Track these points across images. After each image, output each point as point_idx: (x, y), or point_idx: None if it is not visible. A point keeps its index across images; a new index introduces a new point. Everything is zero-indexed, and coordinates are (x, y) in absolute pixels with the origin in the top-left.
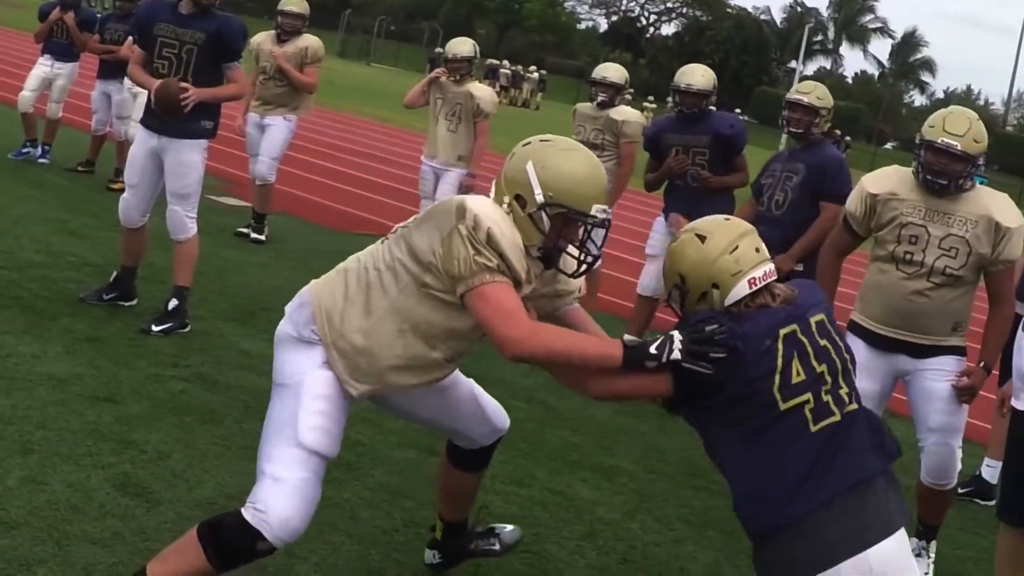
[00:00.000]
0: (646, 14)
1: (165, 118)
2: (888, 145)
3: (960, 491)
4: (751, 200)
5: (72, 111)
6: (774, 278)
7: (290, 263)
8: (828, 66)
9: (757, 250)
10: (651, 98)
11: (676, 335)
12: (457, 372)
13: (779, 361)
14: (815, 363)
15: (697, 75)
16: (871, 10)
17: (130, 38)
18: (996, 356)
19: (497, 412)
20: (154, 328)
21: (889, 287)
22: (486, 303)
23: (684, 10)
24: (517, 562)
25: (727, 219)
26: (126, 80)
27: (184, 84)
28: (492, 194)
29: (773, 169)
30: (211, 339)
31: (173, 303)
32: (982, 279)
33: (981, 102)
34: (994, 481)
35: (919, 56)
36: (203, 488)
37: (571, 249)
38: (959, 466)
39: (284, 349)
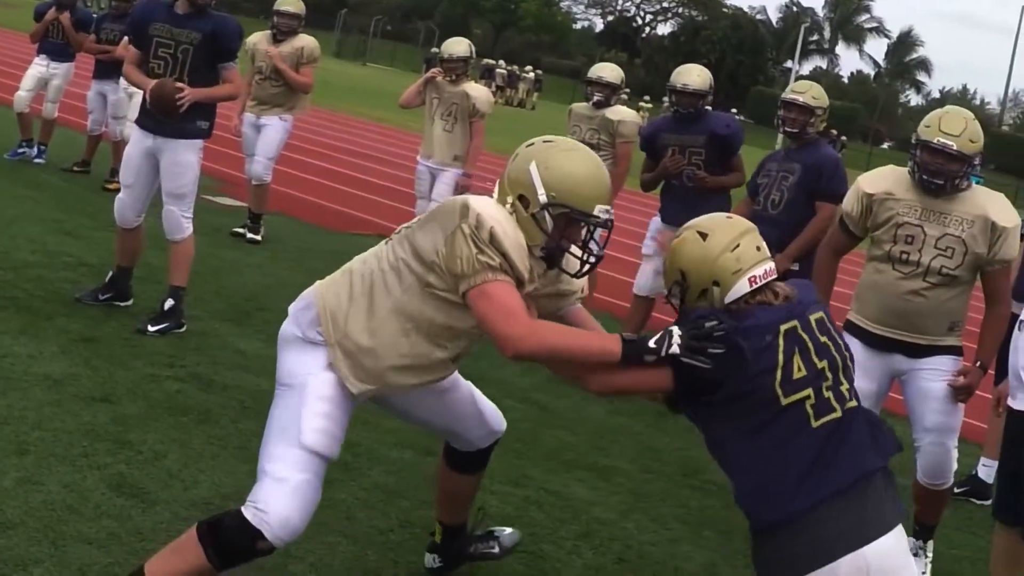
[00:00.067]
0: (642, 14)
1: (161, 118)
2: (885, 145)
3: (956, 491)
4: (746, 199)
5: (68, 111)
6: (774, 277)
7: (286, 263)
8: (824, 66)
9: (758, 248)
10: (647, 98)
11: (675, 330)
12: (457, 375)
13: (780, 357)
14: (816, 359)
15: (693, 75)
16: (867, 10)
17: (126, 38)
18: (992, 356)
19: (494, 415)
20: (150, 328)
21: (885, 287)
22: (487, 302)
23: (680, 10)
24: (514, 562)
25: (729, 217)
26: (122, 80)
27: (180, 84)
28: (495, 194)
29: (769, 169)
30: (207, 339)
31: (169, 303)
32: (979, 279)
33: (977, 102)
34: (990, 480)
35: (915, 56)
36: (199, 488)
37: (574, 249)
38: (955, 466)
39: (288, 350)
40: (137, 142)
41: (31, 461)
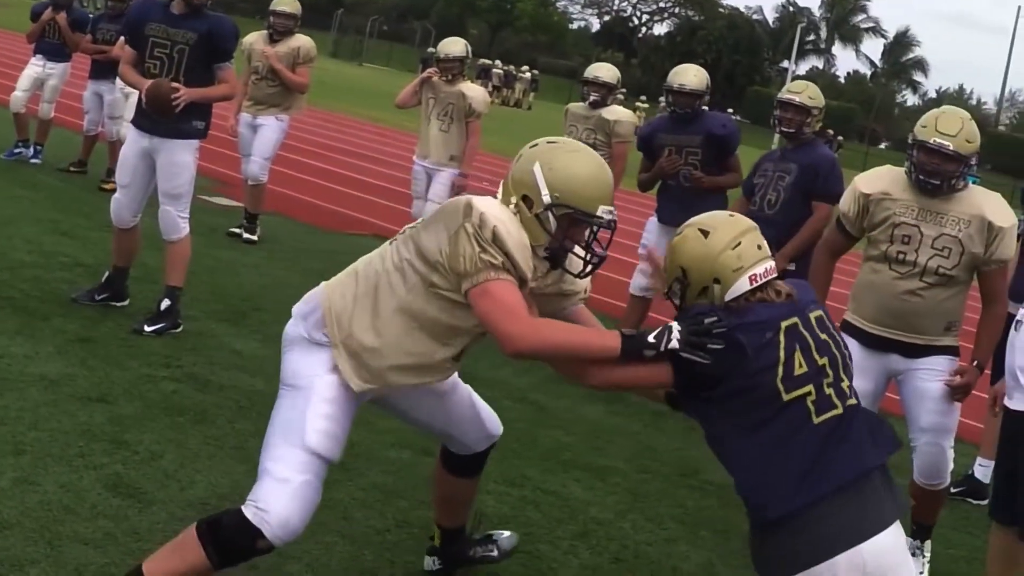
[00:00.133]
0: (638, 14)
1: (156, 118)
2: (882, 145)
3: (953, 491)
4: (742, 199)
5: (64, 111)
6: (775, 275)
7: (282, 263)
8: (820, 66)
9: (759, 247)
10: (643, 98)
11: (675, 325)
12: (456, 378)
13: (781, 353)
14: (817, 356)
15: (690, 75)
16: (863, 10)
17: (122, 38)
18: (989, 355)
19: (491, 419)
20: (146, 328)
21: (882, 287)
22: (489, 300)
23: (676, 10)
24: (511, 562)
25: (731, 215)
26: (118, 80)
27: (175, 84)
28: (499, 195)
29: (765, 169)
30: (203, 339)
31: (165, 303)
32: (975, 279)
33: (973, 102)
34: (986, 480)
35: (911, 56)
36: (195, 488)
37: (577, 250)
38: (951, 466)
39: (293, 350)
40: (133, 142)
41: (27, 461)
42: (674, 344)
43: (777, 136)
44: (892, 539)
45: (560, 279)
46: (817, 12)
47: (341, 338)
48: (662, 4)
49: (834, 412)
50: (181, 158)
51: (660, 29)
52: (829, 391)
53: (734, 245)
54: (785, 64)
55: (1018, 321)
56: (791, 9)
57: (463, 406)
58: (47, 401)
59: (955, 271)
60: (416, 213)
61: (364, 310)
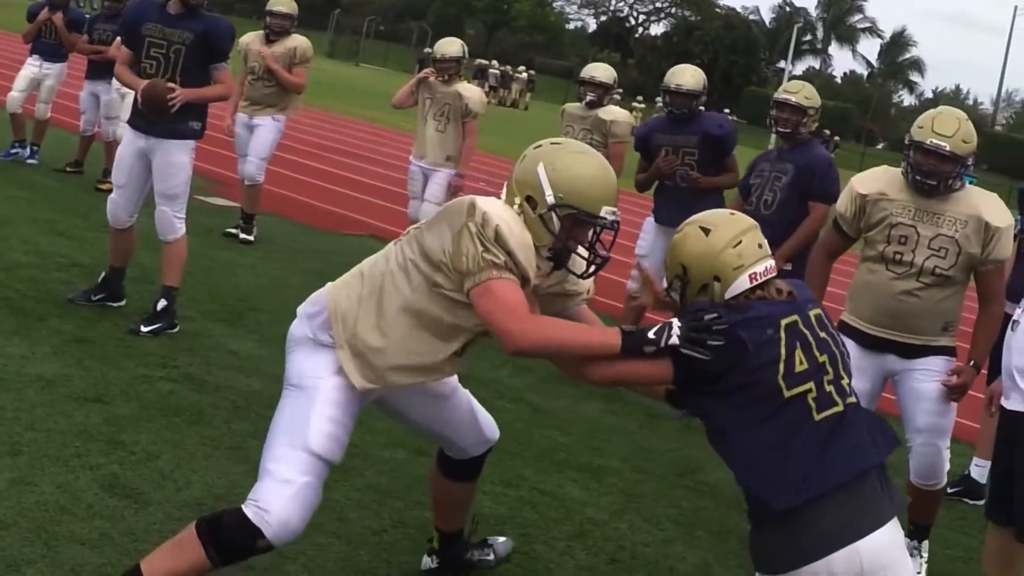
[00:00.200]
0: (635, 14)
1: (152, 118)
2: (879, 146)
3: (949, 491)
4: (738, 199)
5: (60, 111)
6: (775, 274)
7: (279, 263)
8: (817, 66)
9: (760, 246)
10: (640, 98)
11: (675, 321)
12: (456, 383)
13: (783, 350)
14: (817, 353)
15: (687, 75)
16: (860, 10)
17: (118, 38)
18: (985, 355)
19: (489, 423)
20: (143, 329)
21: (879, 287)
22: (491, 299)
23: (673, 10)
24: (507, 563)
25: (732, 213)
26: (114, 80)
27: (171, 85)
28: (503, 196)
29: (761, 169)
30: (200, 340)
31: (162, 304)
32: (972, 279)
33: (970, 102)
34: (983, 480)
35: (908, 56)
36: (192, 489)
37: (580, 250)
38: (947, 466)
39: (299, 351)
40: (129, 142)
41: (24, 462)
42: (674, 340)
43: (774, 136)
44: (889, 537)
45: (563, 279)
46: (814, 12)
47: (346, 338)
48: (659, 4)
49: (835, 409)
50: (177, 158)
51: (657, 29)
52: (829, 388)
53: (735, 243)
54: (782, 64)
55: (1015, 321)
56: (787, 9)
57: (461, 411)
58: (43, 401)
59: (952, 271)
60: (412, 213)
61: (369, 310)
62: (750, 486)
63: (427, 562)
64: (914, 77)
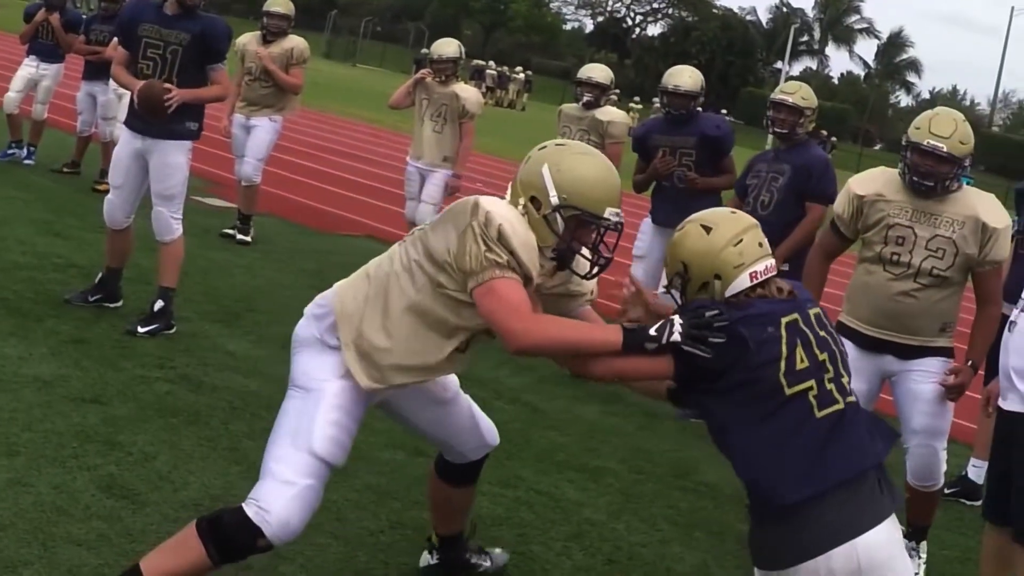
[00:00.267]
0: (632, 15)
1: (148, 119)
2: (876, 147)
3: (946, 491)
4: (735, 200)
5: (57, 112)
6: (775, 273)
7: (276, 264)
8: (814, 67)
9: (760, 244)
10: (637, 99)
11: (676, 318)
12: (458, 388)
13: (783, 348)
14: (817, 351)
15: (685, 76)
16: (857, 10)
17: (115, 39)
18: (983, 356)
19: (489, 429)
20: (140, 329)
21: (876, 288)
22: (494, 298)
23: (670, 11)
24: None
25: (732, 212)
26: (111, 81)
27: (167, 85)
28: (508, 196)
29: (758, 170)
30: (197, 340)
31: (159, 304)
32: (970, 280)
33: (967, 102)
34: (980, 481)
35: (905, 57)
36: (189, 490)
37: (584, 251)
38: (944, 467)
39: (305, 352)
40: (126, 143)
41: (21, 462)
42: (676, 337)
43: (771, 137)
44: (886, 534)
45: (567, 280)
46: (811, 13)
47: (352, 338)
48: (656, 5)
49: (836, 407)
50: (174, 159)
51: (654, 30)
52: (830, 386)
53: (736, 242)
54: (779, 65)
55: (1012, 322)
56: (785, 10)
57: (463, 416)
58: (40, 402)
59: (949, 272)
60: (410, 214)
61: (375, 310)
62: (754, 481)
63: (426, 558)
64: (911, 78)
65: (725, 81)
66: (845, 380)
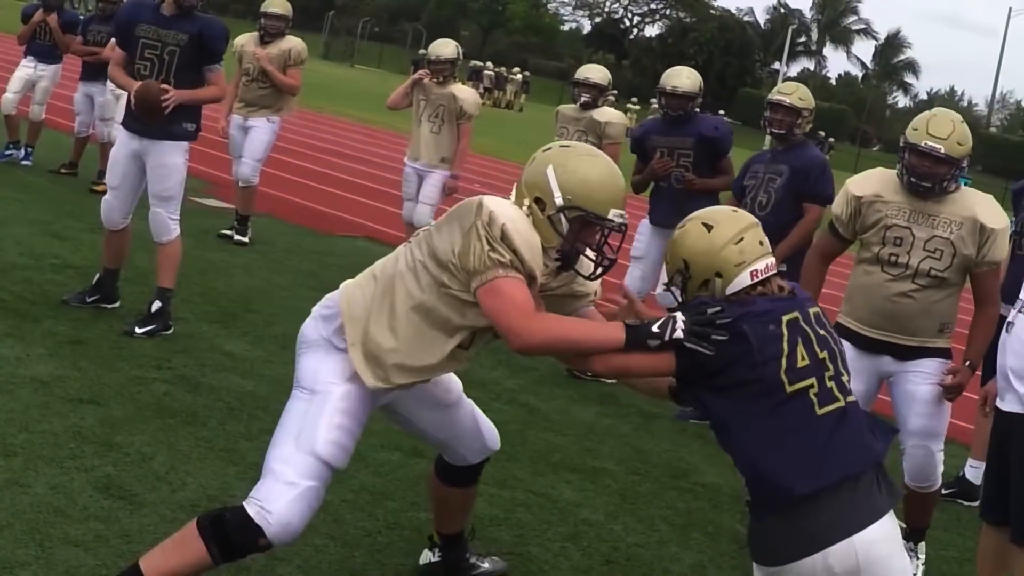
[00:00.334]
0: (629, 15)
1: (145, 120)
2: (875, 148)
3: (944, 492)
4: (732, 200)
5: (55, 113)
6: (775, 272)
7: (273, 265)
8: (812, 67)
9: (761, 243)
10: (634, 99)
11: (678, 315)
12: (461, 392)
13: (785, 345)
14: (818, 349)
15: (683, 77)
16: (854, 11)
17: (113, 40)
18: (981, 356)
19: (491, 432)
20: (137, 330)
21: (874, 289)
22: (497, 297)
23: (667, 11)
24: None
25: (733, 211)
26: (109, 82)
27: (164, 86)
28: (512, 197)
29: (755, 170)
30: (194, 341)
31: (156, 305)
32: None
33: (965, 103)
34: (977, 482)
35: (902, 57)
36: (186, 490)
37: (588, 252)
38: (941, 468)
39: (312, 353)
40: (123, 144)
41: (18, 463)
42: (678, 334)
43: (768, 138)
44: (885, 530)
45: (571, 280)
46: (808, 14)
47: (359, 338)
48: (653, 6)
49: (836, 405)
50: (171, 160)
51: (651, 31)
52: (831, 384)
53: (737, 240)
54: (776, 66)
55: (1009, 323)
56: (782, 11)
57: (465, 420)
58: (38, 403)
59: (947, 273)
60: (407, 215)
61: (382, 311)
62: (759, 476)
63: (427, 556)
64: (909, 79)
65: (722, 82)
66: (845, 378)
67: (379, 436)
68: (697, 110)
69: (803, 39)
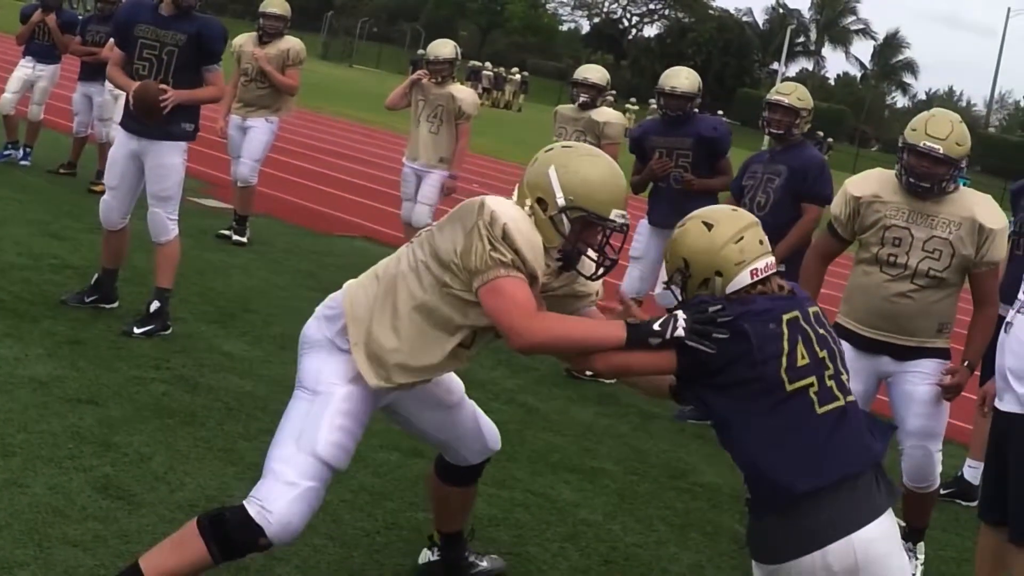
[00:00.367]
0: (628, 16)
1: (144, 120)
2: (873, 148)
3: (942, 492)
4: (730, 200)
5: (53, 113)
6: (774, 271)
7: (272, 265)
8: (810, 68)
9: (760, 242)
10: (633, 100)
11: (680, 313)
12: (463, 394)
13: (785, 344)
14: (817, 348)
15: (681, 78)
16: (853, 11)
17: (111, 40)
18: (979, 356)
19: (492, 433)
20: (136, 330)
21: (873, 289)
22: (498, 297)
23: (666, 12)
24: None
25: (733, 210)
26: (107, 82)
27: (163, 86)
28: (514, 197)
29: (754, 171)
30: (192, 341)
31: (155, 305)
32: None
33: (963, 103)
34: (976, 482)
35: (901, 58)
36: (184, 490)
37: (590, 252)
38: (939, 469)
39: (315, 353)
40: (121, 144)
41: (16, 463)
42: (679, 332)
43: (767, 138)
44: (883, 529)
45: (573, 281)
46: (807, 14)
47: (361, 338)
48: (652, 6)
49: (836, 404)
50: (169, 160)
51: (650, 31)
52: (830, 383)
53: (737, 239)
54: (775, 66)
55: (1008, 323)
56: (781, 11)
57: (467, 420)
58: (36, 403)
59: (946, 273)
60: (406, 215)
61: (385, 311)
62: (760, 473)
63: (426, 555)
64: (907, 79)
65: (721, 82)
66: (844, 377)
67: (378, 436)
68: (696, 110)
69: (802, 39)
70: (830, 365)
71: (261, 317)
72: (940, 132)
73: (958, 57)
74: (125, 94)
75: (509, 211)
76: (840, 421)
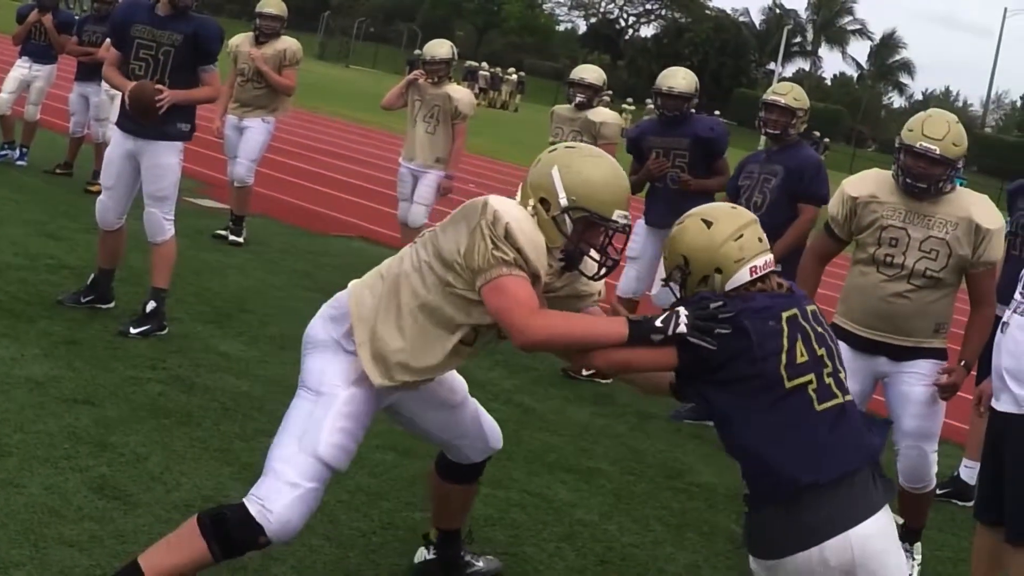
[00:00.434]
0: (625, 16)
1: (140, 121)
2: (870, 148)
3: (938, 492)
4: (726, 200)
5: (50, 113)
6: (773, 268)
7: (268, 265)
8: (807, 68)
9: (760, 239)
10: (630, 100)
11: (682, 310)
12: (466, 393)
13: (784, 341)
14: (816, 346)
15: (679, 78)
16: (850, 12)
17: (108, 40)
18: (976, 356)
19: (494, 432)
20: (132, 330)
21: (870, 289)
22: (500, 295)
23: (663, 12)
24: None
25: (733, 207)
26: (104, 82)
27: (159, 86)
28: (518, 197)
29: (750, 171)
30: (189, 341)
31: (151, 305)
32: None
33: (960, 103)
34: (972, 482)
35: (898, 58)
36: (181, 491)
37: (592, 252)
38: (935, 469)
39: (319, 353)
40: (117, 144)
41: (13, 463)
42: (681, 329)
43: (763, 138)
44: (880, 525)
45: (575, 280)
46: (804, 14)
47: (367, 337)
48: (648, 6)
49: (835, 401)
50: (165, 160)
51: (647, 31)
52: (829, 380)
53: (736, 236)
54: (771, 66)
55: (1004, 323)
56: (777, 11)
57: (469, 419)
58: (33, 403)
59: (943, 273)
60: (402, 215)
61: (389, 310)
62: (760, 469)
63: (422, 553)
64: (904, 79)
65: (718, 82)
66: (842, 375)
67: (375, 437)
68: (693, 111)
69: (798, 39)
70: (828, 363)
71: (257, 317)
72: (937, 133)
73: (955, 57)
74: (121, 94)
75: (512, 211)
76: (839, 418)
